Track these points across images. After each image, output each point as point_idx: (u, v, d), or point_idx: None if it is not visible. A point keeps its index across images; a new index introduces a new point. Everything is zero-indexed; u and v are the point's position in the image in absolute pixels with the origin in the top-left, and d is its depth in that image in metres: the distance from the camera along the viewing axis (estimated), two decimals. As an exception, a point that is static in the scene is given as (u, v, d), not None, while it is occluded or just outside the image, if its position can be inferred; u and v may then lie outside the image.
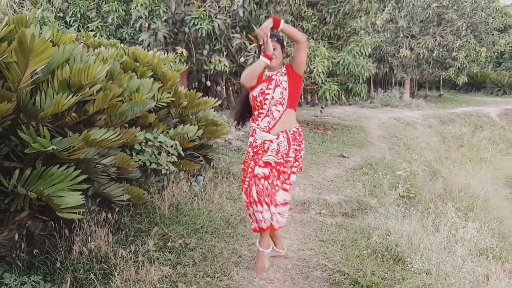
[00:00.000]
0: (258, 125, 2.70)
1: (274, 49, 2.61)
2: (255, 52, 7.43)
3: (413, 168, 6.21)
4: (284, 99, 2.63)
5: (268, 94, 2.64)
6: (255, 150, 2.72)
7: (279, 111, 2.64)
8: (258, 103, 2.67)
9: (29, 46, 2.08)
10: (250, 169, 2.70)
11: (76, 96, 2.46)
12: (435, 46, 14.51)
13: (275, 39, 2.64)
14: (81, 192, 2.33)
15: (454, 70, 14.90)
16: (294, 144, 2.68)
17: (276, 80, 2.64)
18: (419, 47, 14.44)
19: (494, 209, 5.62)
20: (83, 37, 4.04)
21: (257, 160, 2.67)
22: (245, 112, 2.93)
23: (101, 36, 7.88)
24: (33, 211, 2.72)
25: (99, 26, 8.09)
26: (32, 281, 2.31)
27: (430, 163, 7.61)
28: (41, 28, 3.22)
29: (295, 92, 2.67)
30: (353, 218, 4.09)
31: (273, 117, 2.65)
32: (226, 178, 4.72)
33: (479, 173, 7.75)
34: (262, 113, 2.68)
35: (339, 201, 4.47)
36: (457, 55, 14.46)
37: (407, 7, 14.34)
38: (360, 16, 8.81)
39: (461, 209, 5.01)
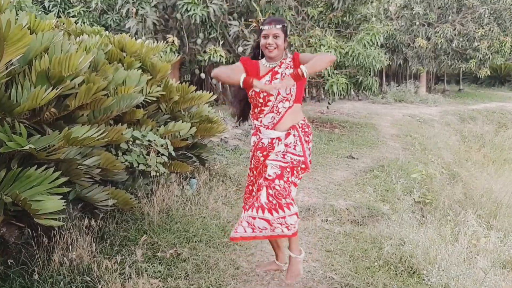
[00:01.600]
0: (261, 122, 2.65)
1: (276, 37, 2.59)
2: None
3: (429, 171, 6.22)
4: (292, 95, 2.59)
5: None
6: (264, 153, 2.65)
7: (285, 107, 2.61)
8: (261, 100, 2.60)
9: (4, 34, 2.09)
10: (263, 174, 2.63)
11: (56, 89, 2.46)
12: (455, 35, 14.52)
13: (280, 26, 2.58)
14: (62, 196, 2.33)
15: (476, 62, 14.91)
16: (304, 140, 2.66)
17: (282, 75, 2.59)
18: (436, 36, 14.44)
19: (520, 217, 5.64)
20: (63, 23, 4.04)
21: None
22: (245, 107, 2.89)
23: (84, 22, 7.87)
24: (7, 217, 2.72)
25: (81, 12, 8.08)
26: (7, 294, 2.32)
27: (449, 165, 7.62)
28: (17, 14, 3.21)
29: (301, 86, 2.65)
30: (363, 226, 4.10)
31: (278, 112, 2.60)
32: (222, 181, 4.72)
33: (502, 176, 7.77)
34: (265, 110, 2.62)
35: (347, 207, 4.48)
36: (479, 45, 14.47)
37: (424, -9, 14.36)
38: (372, 2, 8.82)
39: (483, 217, 5.02)
